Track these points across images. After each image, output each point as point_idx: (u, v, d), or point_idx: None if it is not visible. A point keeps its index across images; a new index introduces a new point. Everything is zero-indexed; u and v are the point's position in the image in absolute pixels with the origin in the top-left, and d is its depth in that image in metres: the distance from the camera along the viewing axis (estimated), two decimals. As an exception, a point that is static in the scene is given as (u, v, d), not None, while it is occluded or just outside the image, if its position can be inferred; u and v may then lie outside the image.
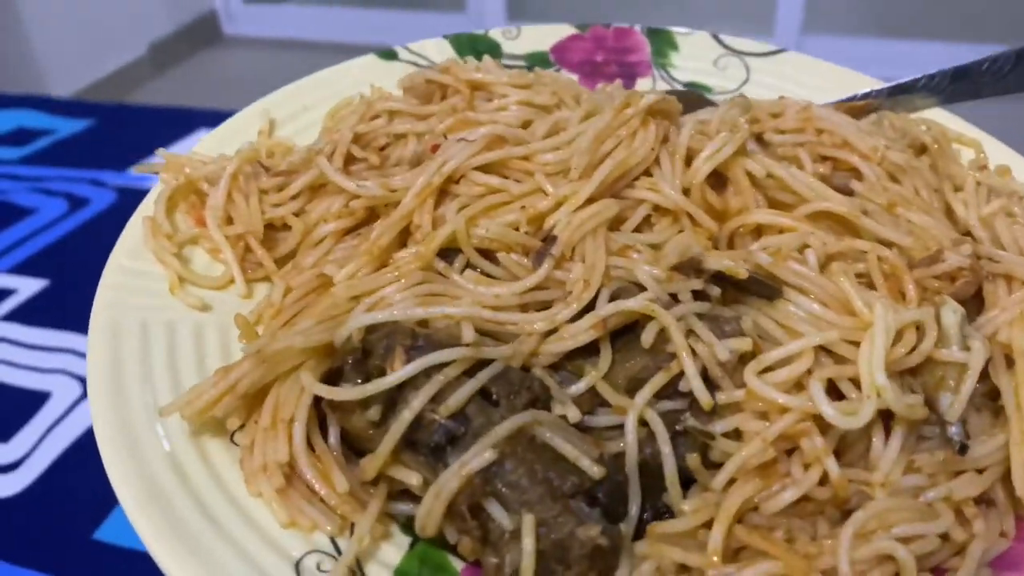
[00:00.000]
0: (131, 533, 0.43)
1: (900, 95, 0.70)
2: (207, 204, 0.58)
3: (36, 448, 0.71)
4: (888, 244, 0.53)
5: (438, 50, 0.76)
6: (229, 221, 0.57)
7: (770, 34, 3.63)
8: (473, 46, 0.76)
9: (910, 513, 0.42)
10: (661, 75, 0.77)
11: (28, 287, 0.90)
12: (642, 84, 0.76)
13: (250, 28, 4.11)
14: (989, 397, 0.48)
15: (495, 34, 0.78)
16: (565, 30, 0.79)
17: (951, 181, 0.61)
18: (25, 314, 0.86)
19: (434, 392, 0.44)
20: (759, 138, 0.62)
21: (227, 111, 0.71)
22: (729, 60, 0.76)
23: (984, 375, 0.48)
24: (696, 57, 0.77)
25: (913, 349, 0.46)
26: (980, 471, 0.45)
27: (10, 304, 0.88)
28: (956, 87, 0.70)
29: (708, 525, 0.42)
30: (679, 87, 0.76)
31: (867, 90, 0.70)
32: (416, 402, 0.43)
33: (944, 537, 0.42)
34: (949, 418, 0.45)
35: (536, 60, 0.77)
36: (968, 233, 0.57)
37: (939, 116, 0.69)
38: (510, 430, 0.42)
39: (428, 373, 0.44)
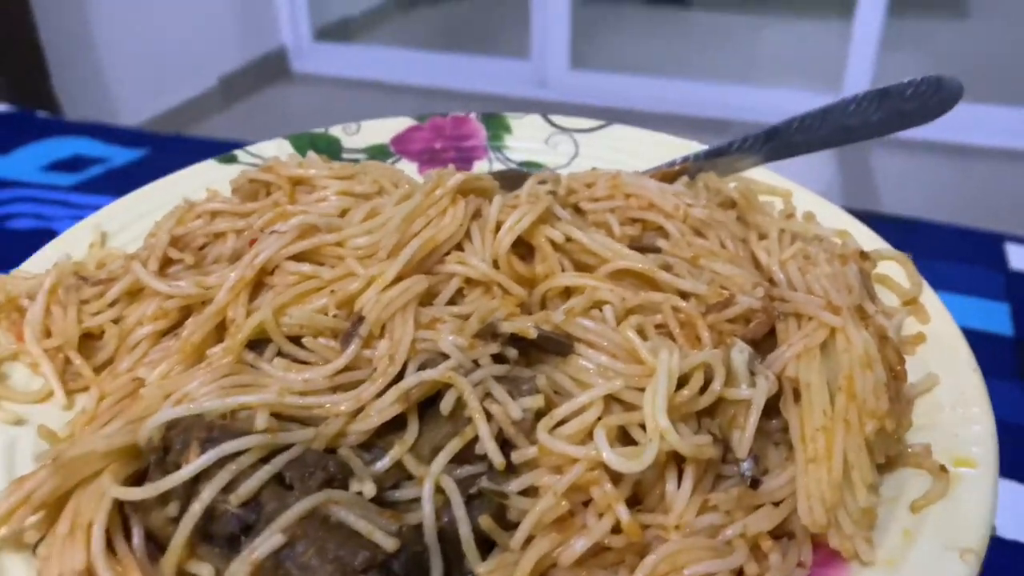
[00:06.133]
0: None
1: (718, 158, 0.74)
2: (26, 319, 0.57)
3: None
4: (687, 295, 0.55)
5: (279, 150, 0.78)
6: (49, 334, 0.57)
7: (839, 90, 3.55)
8: (313, 144, 0.79)
9: (702, 552, 0.43)
10: (497, 157, 0.80)
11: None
12: (479, 166, 0.79)
13: (318, 66, 4.16)
14: (786, 432, 0.49)
15: (335, 131, 0.80)
16: (404, 122, 0.82)
17: (757, 231, 0.64)
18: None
19: (225, 482, 0.43)
20: (576, 208, 0.65)
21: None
22: (559, 138, 0.80)
23: (778, 411, 0.49)
24: (528, 138, 0.80)
25: (703, 391, 0.48)
26: (777, 504, 0.46)
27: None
28: (771, 146, 0.73)
29: (508, 586, 0.42)
30: (514, 166, 0.79)
31: (686, 155, 0.74)
32: (206, 493, 0.43)
33: (740, 573, 0.43)
34: (739, 455, 0.46)
35: (377, 152, 0.80)
36: (771, 279, 0.59)
37: (757, 172, 0.73)
38: (301, 512, 0.42)
39: (223, 464, 0.44)
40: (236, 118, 3.66)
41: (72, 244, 0.66)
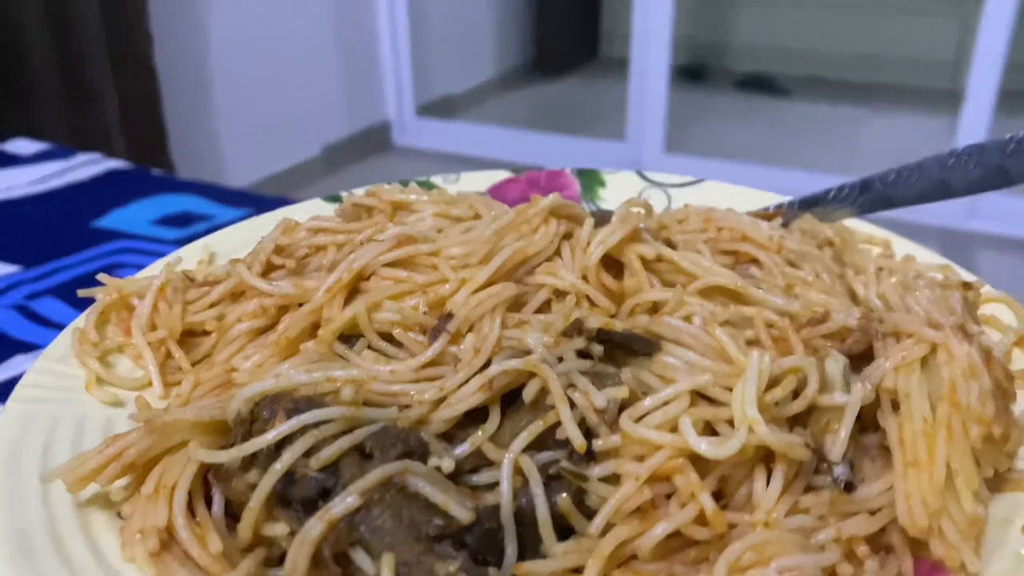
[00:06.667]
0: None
1: (813, 207, 0.73)
2: (134, 314, 0.60)
3: None
4: (779, 314, 0.54)
5: (381, 193, 0.81)
6: (154, 329, 0.60)
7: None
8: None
9: (792, 546, 0.40)
10: (590, 207, 0.81)
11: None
12: (573, 215, 0.81)
13: (419, 140, 4.27)
14: (884, 447, 0.47)
15: (436, 179, 0.84)
16: (501, 174, 0.85)
17: (854, 268, 0.62)
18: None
19: (307, 447, 0.44)
20: (668, 242, 0.65)
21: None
22: (653, 191, 0.81)
23: (877, 425, 0.47)
24: (622, 190, 0.82)
25: (796, 397, 0.46)
26: (873, 514, 0.43)
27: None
28: (866, 198, 0.73)
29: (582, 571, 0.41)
30: (607, 216, 0.80)
31: (779, 202, 0.74)
32: (287, 455, 0.43)
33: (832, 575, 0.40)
34: (833, 458, 0.44)
35: (473, 200, 0.82)
36: (869, 309, 0.57)
37: (852, 223, 0.72)
38: (379, 478, 0.42)
39: (305, 431, 0.45)
40: (336, 186, 3.78)
41: (184, 260, 0.70)
